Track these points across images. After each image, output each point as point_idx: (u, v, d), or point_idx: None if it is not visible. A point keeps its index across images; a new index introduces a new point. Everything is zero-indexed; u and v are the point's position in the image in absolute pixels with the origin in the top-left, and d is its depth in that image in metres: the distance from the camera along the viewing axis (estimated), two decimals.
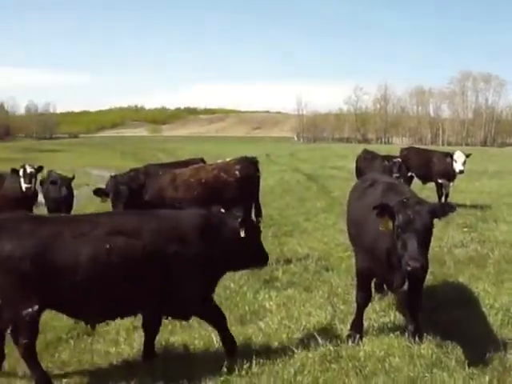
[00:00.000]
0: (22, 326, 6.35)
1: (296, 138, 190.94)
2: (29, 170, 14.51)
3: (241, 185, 12.60)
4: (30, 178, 14.46)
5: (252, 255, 7.37)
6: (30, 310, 6.27)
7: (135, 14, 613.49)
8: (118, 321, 7.55)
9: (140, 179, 12.47)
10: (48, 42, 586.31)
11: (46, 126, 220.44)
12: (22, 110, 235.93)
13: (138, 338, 7.76)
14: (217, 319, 7.18)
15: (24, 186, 14.38)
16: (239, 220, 7.09)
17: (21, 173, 14.48)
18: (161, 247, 6.64)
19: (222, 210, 8.35)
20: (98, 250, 6.40)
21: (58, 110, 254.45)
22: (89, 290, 6.39)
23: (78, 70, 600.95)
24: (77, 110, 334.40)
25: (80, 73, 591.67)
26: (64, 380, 6.84)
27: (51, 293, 6.35)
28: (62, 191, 15.81)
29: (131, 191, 12.06)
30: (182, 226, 6.90)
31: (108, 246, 6.41)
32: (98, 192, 12.26)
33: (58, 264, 6.29)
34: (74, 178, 16.78)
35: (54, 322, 8.69)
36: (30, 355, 6.46)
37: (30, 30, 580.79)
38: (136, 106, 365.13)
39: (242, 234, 6.98)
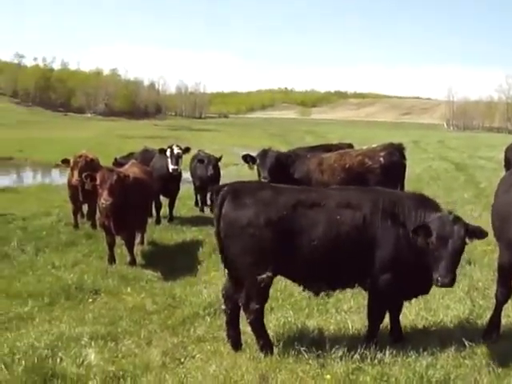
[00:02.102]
0: (256, 291, 6.79)
1: (446, 126, 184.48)
2: (176, 151, 15.26)
3: (385, 171, 12.61)
4: (176, 159, 15.21)
5: None
6: (264, 276, 6.70)
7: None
8: None
9: (290, 157, 13.07)
10: (201, 24, 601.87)
11: (196, 106, 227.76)
12: (172, 89, 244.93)
13: (274, 319, 8.03)
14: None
15: (171, 167, 15.16)
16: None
17: (168, 153, 15.26)
18: (382, 222, 6.82)
19: None
20: (331, 221, 6.75)
21: (209, 90, 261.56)
22: (320, 258, 6.74)
23: (228, 52, 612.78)
24: (226, 90, 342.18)
25: (231, 54, 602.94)
26: (198, 355, 7.22)
27: (285, 260, 6.76)
28: (208, 170, 16.52)
29: (278, 164, 12.68)
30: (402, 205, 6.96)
31: (339, 217, 6.75)
32: (246, 158, 13.25)
33: (296, 232, 6.69)
34: (221, 158, 17.63)
35: (191, 297, 9.35)
36: (258, 320, 6.94)
37: (187, 13, 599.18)
38: (286, 88, 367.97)
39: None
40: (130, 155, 18.77)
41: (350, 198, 6.99)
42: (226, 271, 7.19)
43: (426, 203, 7.02)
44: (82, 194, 14.01)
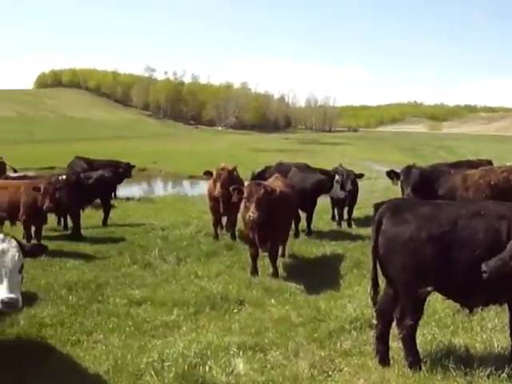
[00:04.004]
0: (411, 307, 6.85)
1: None
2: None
3: None
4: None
5: None
6: (422, 291, 6.75)
7: None
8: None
9: (433, 174, 13.06)
10: (331, 39, 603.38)
11: (326, 119, 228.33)
12: (302, 103, 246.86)
13: (420, 335, 7.79)
14: None
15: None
16: None
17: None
18: None
19: None
20: (490, 234, 6.68)
21: (338, 104, 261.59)
22: (478, 272, 6.56)
23: (354, 65, 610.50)
24: (356, 104, 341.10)
25: (356, 67, 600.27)
26: (345, 368, 7.26)
27: (444, 275, 6.74)
28: (347, 185, 16.63)
29: (422, 180, 12.81)
30: None
31: (496, 230, 6.66)
32: (390, 174, 13.57)
33: (456, 246, 6.67)
34: (362, 175, 18.18)
35: (336, 311, 9.35)
36: (410, 336, 6.98)
37: (315, 28, 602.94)
38: (415, 102, 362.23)
39: None
40: (266, 169, 19.13)
41: (504, 210, 6.88)
42: (384, 286, 7.25)
43: None
44: (222, 206, 14.38)
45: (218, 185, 14.22)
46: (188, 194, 28.32)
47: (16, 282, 6.28)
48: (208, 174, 14.76)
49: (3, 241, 6.33)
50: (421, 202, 7.56)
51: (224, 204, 14.19)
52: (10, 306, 6.17)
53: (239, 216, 14.03)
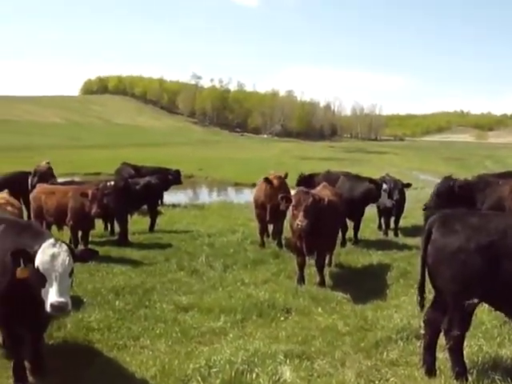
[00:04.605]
0: (459, 317, 6.80)
1: None
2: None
3: None
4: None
5: None
6: (471, 302, 6.72)
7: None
8: None
9: (478, 185, 12.96)
10: (377, 46, 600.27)
11: (372, 128, 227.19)
12: (347, 111, 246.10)
13: (467, 347, 7.72)
14: None
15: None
16: None
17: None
18: None
19: None
20: None
21: (384, 112, 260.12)
22: None
23: (400, 73, 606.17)
24: (402, 112, 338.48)
25: (402, 75, 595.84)
26: (392, 379, 7.22)
27: (494, 286, 6.69)
28: (394, 195, 16.54)
29: (461, 192, 13.06)
30: None
31: None
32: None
33: (506, 257, 6.61)
34: (410, 184, 18.02)
35: (382, 321, 9.32)
36: (457, 347, 6.93)
37: (364, 35, 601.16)
38: (461, 111, 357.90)
39: None
40: (312, 175, 19.20)
41: None
42: (432, 296, 7.23)
43: None
44: (269, 214, 14.42)
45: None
46: (234, 201, 28.46)
47: (66, 286, 6.37)
48: (267, 181, 14.68)
49: (54, 245, 6.41)
50: (470, 212, 7.52)
51: (271, 212, 14.22)
52: (59, 310, 6.26)
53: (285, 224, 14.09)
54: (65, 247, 6.50)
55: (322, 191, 12.73)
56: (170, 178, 23.11)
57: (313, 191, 12.23)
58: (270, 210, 14.20)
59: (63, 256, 6.38)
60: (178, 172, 24.95)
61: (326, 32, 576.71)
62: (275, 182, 14.41)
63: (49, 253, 6.32)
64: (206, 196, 34.82)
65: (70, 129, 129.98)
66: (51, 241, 6.49)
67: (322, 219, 11.27)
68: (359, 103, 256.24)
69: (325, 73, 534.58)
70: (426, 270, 7.13)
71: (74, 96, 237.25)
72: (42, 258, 6.31)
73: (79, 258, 6.85)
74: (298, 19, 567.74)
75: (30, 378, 7.17)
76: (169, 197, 26.34)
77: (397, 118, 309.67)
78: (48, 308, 6.21)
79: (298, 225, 11.05)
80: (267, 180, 14.54)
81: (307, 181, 19.20)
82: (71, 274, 6.49)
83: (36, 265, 6.30)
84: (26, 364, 7.22)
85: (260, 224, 15.45)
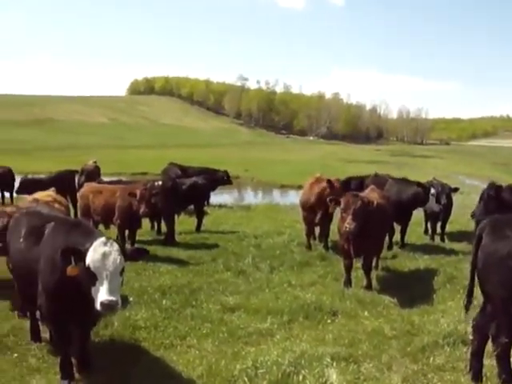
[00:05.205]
0: (508, 324, 6.71)
1: None
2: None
3: None
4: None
5: None
6: None
7: None
8: None
9: None
10: (422, 50, 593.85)
11: (418, 131, 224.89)
12: (393, 114, 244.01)
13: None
14: None
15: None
16: None
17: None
18: None
19: None
20: None
21: (430, 116, 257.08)
22: None
23: (446, 77, 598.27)
24: (448, 116, 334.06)
25: (448, 79, 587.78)
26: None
27: None
28: (441, 199, 16.34)
29: (505, 198, 13.04)
30: None
31: None
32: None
33: None
34: (457, 189, 17.81)
35: (429, 325, 9.21)
36: (504, 354, 6.85)
37: (410, 39, 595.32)
38: (508, 116, 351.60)
39: None
40: (360, 179, 19.12)
41: None
42: (481, 302, 7.13)
43: None
44: (317, 217, 14.39)
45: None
46: (280, 203, 28.43)
47: (116, 285, 6.40)
48: (329, 182, 14.41)
49: (105, 244, 6.46)
50: None
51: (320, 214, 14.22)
52: (109, 309, 6.30)
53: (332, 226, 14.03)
54: (116, 246, 6.53)
55: (370, 194, 12.63)
56: (216, 178, 23.25)
57: (361, 194, 12.17)
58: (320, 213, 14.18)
59: (114, 255, 6.42)
60: (226, 172, 25.06)
61: (374, 35, 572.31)
62: (336, 184, 14.42)
63: (100, 251, 6.36)
64: (251, 197, 34.92)
65: (116, 129, 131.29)
66: (102, 239, 6.53)
67: (370, 222, 11.19)
68: (406, 107, 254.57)
69: (371, 76, 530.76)
70: (476, 275, 7.05)
71: (120, 96, 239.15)
72: (93, 256, 6.35)
73: (129, 257, 6.88)
74: (345, 21, 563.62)
75: (77, 375, 7.28)
76: (215, 197, 26.44)
77: (443, 121, 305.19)
78: (98, 306, 6.25)
79: (346, 227, 11.02)
80: (329, 182, 14.43)
81: (353, 183, 19.13)
82: (122, 272, 6.52)
83: (87, 263, 6.35)
84: (73, 361, 7.32)
85: (307, 226, 15.41)
